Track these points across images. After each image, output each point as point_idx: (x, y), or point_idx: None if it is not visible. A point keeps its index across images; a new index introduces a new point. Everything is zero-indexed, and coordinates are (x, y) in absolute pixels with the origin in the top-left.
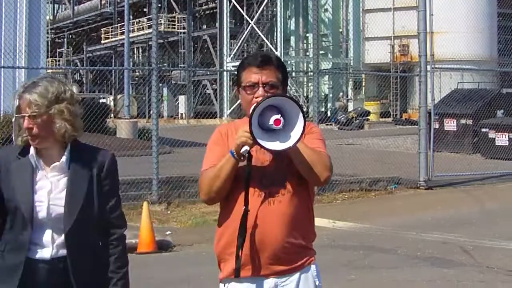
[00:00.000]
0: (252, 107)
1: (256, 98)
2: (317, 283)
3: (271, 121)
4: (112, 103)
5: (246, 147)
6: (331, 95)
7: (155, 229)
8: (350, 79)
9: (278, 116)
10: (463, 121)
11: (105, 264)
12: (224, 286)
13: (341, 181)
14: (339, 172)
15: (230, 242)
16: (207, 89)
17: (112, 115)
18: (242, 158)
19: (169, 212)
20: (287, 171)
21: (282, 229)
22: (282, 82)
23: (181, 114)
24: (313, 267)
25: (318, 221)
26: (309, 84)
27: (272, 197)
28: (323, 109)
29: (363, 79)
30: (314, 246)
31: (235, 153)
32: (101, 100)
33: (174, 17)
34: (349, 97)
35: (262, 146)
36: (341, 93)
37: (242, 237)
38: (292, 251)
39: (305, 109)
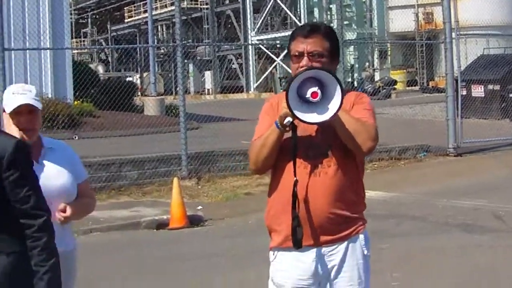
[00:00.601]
0: (289, 79)
1: (301, 67)
2: (365, 252)
3: (309, 94)
4: (138, 81)
5: (289, 118)
6: (357, 66)
7: (186, 204)
8: (376, 49)
9: (316, 89)
10: (490, 86)
11: (26, 263)
12: (274, 254)
13: None
14: None
15: (279, 212)
16: (233, 63)
17: (139, 93)
18: (287, 129)
19: (199, 187)
20: (333, 142)
21: (327, 200)
22: (331, 51)
23: (208, 89)
24: (361, 236)
25: None
26: None
27: (317, 168)
28: (349, 80)
29: (389, 48)
30: None
31: (279, 124)
32: (127, 79)
33: None
34: (375, 66)
35: (298, 118)
36: (367, 63)
37: (295, 208)
38: (337, 222)
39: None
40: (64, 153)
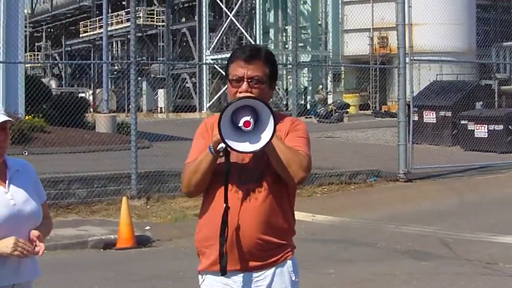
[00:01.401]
0: (223, 106)
1: (240, 92)
2: (293, 278)
3: (241, 123)
4: (91, 98)
5: (222, 145)
6: (310, 88)
7: (134, 224)
8: (329, 72)
9: (248, 118)
10: (442, 113)
11: None
12: (202, 277)
13: (321, 174)
14: (318, 166)
15: (208, 235)
16: (187, 82)
17: (91, 110)
18: (220, 154)
19: (148, 207)
20: (266, 168)
21: (257, 226)
22: (270, 77)
23: (161, 108)
24: (289, 262)
25: (298, 215)
26: (288, 77)
27: (249, 194)
28: (302, 102)
29: (342, 72)
30: (294, 240)
31: (212, 149)
32: (80, 95)
33: (153, 10)
34: (328, 89)
35: (229, 146)
36: (321, 86)
37: (224, 235)
38: (266, 248)
39: (285, 102)
40: (29, 174)
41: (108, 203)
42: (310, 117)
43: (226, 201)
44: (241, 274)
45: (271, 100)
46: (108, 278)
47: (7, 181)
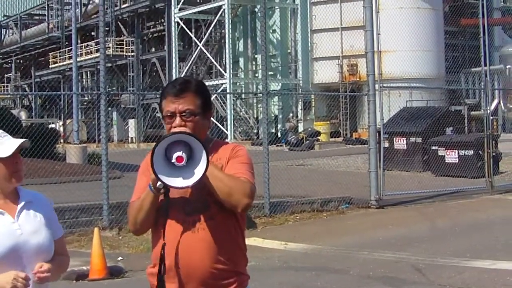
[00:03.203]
0: (155, 144)
1: (174, 127)
2: None
3: (174, 158)
4: (61, 128)
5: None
6: (281, 116)
7: (106, 255)
8: (300, 100)
9: (180, 153)
10: (412, 139)
11: None
12: None
13: (293, 202)
14: (290, 194)
15: (154, 271)
16: (157, 112)
17: (61, 140)
18: (161, 191)
19: (120, 237)
20: (209, 198)
21: (208, 256)
22: (203, 108)
23: (131, 138)
24: None
25: (270, 243)
26: (259, 106)
27: (196, 224)
28: (273, 130)
29: (313, 99)
30: (266, 268)
31: (152, 187)
32: (50, 125)
33: (122, 40)
34: (299, 117)
35: (163, 183)
36: (291, 114)
37: (161, 271)
38: (220, 277)
39: (255, 131)
40: (42, 206)
41: (80, 234)
42: (281, 145)
43: (163, 237)
44: None
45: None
46: None
47: (17, 211)
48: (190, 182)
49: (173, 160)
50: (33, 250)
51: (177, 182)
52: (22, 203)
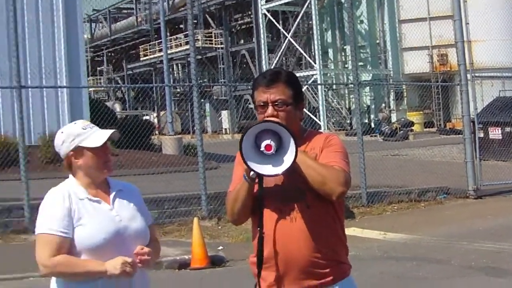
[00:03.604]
0: (243, 131)
1: (266, 117)
2: None
3: (263, 146)
4: (155, 120)
5: None
6: (373, 106)
7: (207, 244)
8: (391, 90)
9: (269, 142)
10: (508, 129)
11: None
12: None
13: (390, 192)
14: (387, 184)
15: (255, 261)
16: (249, 103)
17: (156, 132)
18: (255, 180)
19: (219, 227)
20: (305, 187)
21: (307, 245)
22: (294, 98)
23: (225, 129)
24: (346, 281)
25: (369, 233)
26: (351, 96)
27: (293, 213)
28: (366, 121)
29: (404, 90)
30: (366, 258)
31: (246, 176)
32: (144, 117)
33: (211, 33)
34: (391, 108)
35: (252, 170)
36: (383, 104)
37: (260, 263)
38: (321, 266)
39: (348, 121)
40: (133, 194)
41: (179, 224)
42: (375, 136)
43: (261, 226)
44: None
45: (336, 119)
46: None
47: (110, 200)
48: (279, 170)
49: (262, 148)
50: (132, 235)
51: (266, 169)
52: (114, 192)
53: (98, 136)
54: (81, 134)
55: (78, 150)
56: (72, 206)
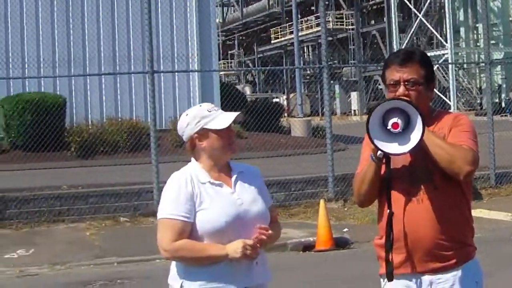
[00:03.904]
0: (370, 109)
1: (397, 96)
2: (476, 280)
3: (390, 125)
4: (285, 102)
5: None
6: (504, 86)
7: (332, 226)
8: None
9: (396, 120)
10: None
11: None
12: (383, 281)
13: None
14: None
15: (381, 243)
16: (379, 84)
17: (285, 114)
18: (382, 161)
19: (345, 209)
20: (433, 167)
21: (433, 226)
22: (426, 78)
23: (354, 110)
24: (471, 263)
25: (496, 215)
26: (482, 75)
27: (420, 195)
28: (497, 100)
29: None
30: (492, 240)
31: (374, 157)
32: (274, 100)
33: (342, 14)
34: None
35: (378, 148)
36: None
37: (390, 241)
38: (446, 248)
39: (478, 101)
40: (254, 176)
41: (306, 206)
42: (505, 115)
43: (389, 207)
44: (422, 277)
45: (464, 100)
46: (308, 281)
47: (232, 182)
48: (406, 148)
49: (389, 127)
50: (253, 218)
51: (392, 148)
52: (235, 175)
53: (223, 118)
54: (206, 116)
55: (203, 132)
56: (195, 190)
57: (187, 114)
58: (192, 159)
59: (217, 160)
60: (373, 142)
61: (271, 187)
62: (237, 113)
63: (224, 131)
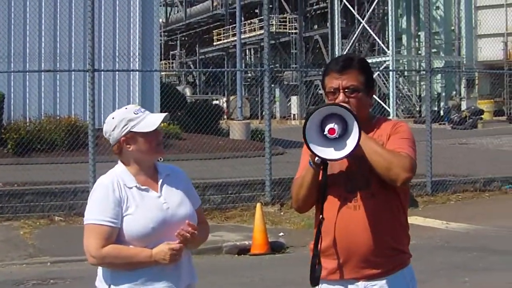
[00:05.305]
0: (307, 114)
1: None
2: (411, 287)
3: (326, 130)
4: (225, 105)
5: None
6: (444, 94)
7: (268, 230)
8: (463, 78)
9: (333, 125)
10: None
11: None
12: (319, 286)
13: (455, 181)
14: (452, 173)
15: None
16: (319, 89)
17: (225, 117)
18: (321, 166)
19: (282, 213)
20: (370, 174)
21: (369, 233)
22: (366, 85)
23: (294, 114)
24: (406, 270)
25: (431, 222)
26: (422, 83)
27: (357, 201)
28: (436, 108)
29: (476, 78)
30: (427, 248)
31: (312, 162)
32: (214, 102)
33: (285, 17)
34: (462, 95)
35: (313, 153)
36: (454, 92)
37: (317, 247)
38: (381, 255)
39: (418, 109)
40: (180, 178)
41: (242, 209)
42: (443, 124)
43: (321, 212)
44: (357, 283)
45: (410, 107)
46: (243, 284)
47: (159, 186)
48: (341, 154)
49: (325, 132)
50: (180, 221)
51: (328, 153)
52: (162, 178)
53: (150, 121)
54: (133, 119)
55: (130, 136)
56: (122, 194)
57: (113, 117)
58: (119, 162)
59: (144, 163)
60: (309, 147)
61: (208, 189)
62: (164, 114)
63: (151, 133)
